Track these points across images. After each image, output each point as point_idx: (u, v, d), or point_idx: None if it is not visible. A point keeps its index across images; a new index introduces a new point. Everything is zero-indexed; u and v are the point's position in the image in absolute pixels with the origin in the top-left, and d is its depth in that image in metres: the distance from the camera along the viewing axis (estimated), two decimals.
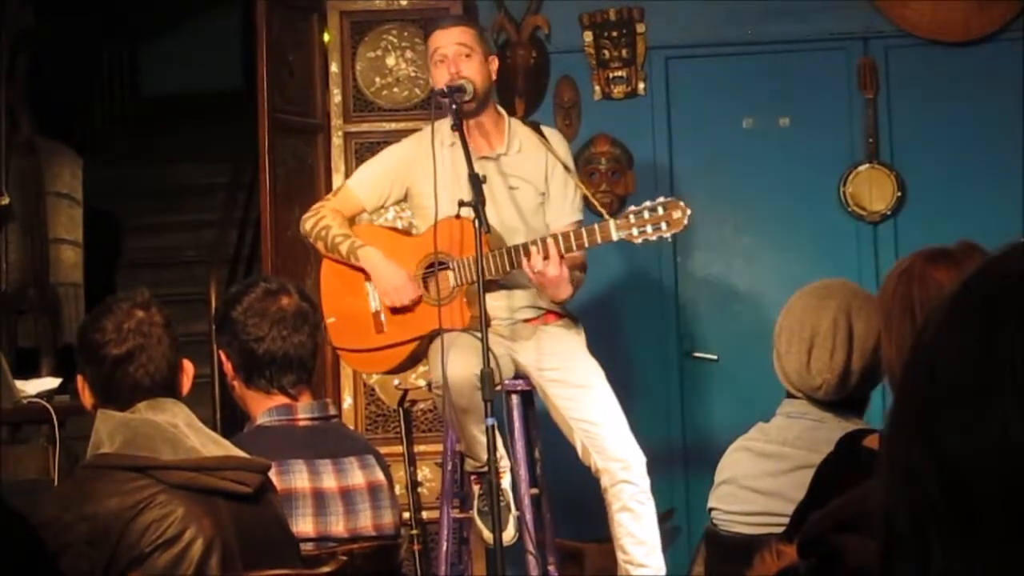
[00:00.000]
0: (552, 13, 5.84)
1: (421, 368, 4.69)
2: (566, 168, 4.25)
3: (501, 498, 3.89)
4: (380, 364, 4.36)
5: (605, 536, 4.25)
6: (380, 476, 3.01)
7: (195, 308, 6.54)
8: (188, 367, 2.69)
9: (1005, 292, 0.84)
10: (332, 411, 3.06)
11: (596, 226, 3.96)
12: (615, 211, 4.98)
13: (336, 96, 5.62)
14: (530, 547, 4.07)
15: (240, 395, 3.05)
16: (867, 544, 1.26)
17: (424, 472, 5.44)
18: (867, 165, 5.73)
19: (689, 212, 3.93)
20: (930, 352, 0.85)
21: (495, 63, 4.27)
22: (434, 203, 3.94)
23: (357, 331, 4.25)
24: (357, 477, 2.97)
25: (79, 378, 2.67)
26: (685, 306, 5.84)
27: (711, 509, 2.93)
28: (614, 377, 4.26)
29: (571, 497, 4.54)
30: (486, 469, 3.72)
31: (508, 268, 4.00)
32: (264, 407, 2.98)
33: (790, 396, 2.83)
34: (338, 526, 2.91)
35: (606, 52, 5.82)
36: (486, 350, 3.65)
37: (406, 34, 5.61)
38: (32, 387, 4.50)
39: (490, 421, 3.61)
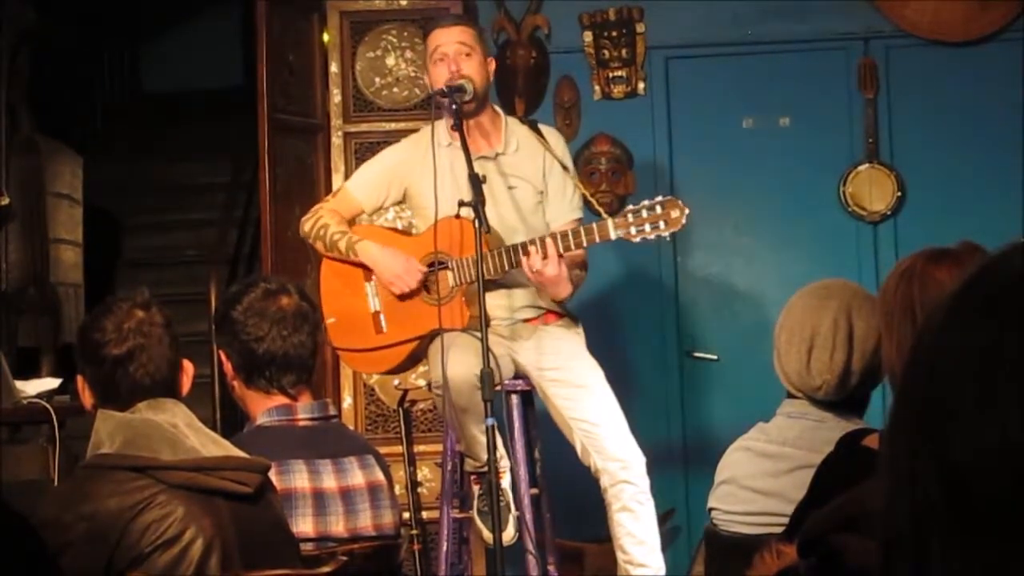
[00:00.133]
0: (552, 13, 5.84)
1: (421, 368, 4.69)
2: (564, 167, 4.25)
3: (501, 498, 3.89)
4: (380, 364, 4.36)
5: (605, 536, 4.25)
6: (380, 476, 3.01)
7: (195, 308, 6.54)
8: (188, 367, 2.69)
9: (1006, 292, 0.84)
10: (332, 411, 3.06)
11: (594, 225, 3.96)
12: (615, 211, 4.98)
13: (336, 96, 5.62)
14: (530, 547, 4.07)
15: (240, 395, 3.05)
16: (867, 544, 1.26)
17: (424, 472, 5.44)
18: (867, 165, 5.73)
19: (687, 211, 3.93)
20: (930, 352, 0.85)
21: (493, 64, 4.27)
22: (433, 203, 3.94)
23: (357, 331, 4.25)
24: (357, 477, 2.97)
25: (79, 378, 2.67)
26: (685, 306, 5.84)
27: (711, 509, 2.93)
28: (614, 377, 4.26)
29: (571, 497, 4.54)
30: (486, 469, 3.72)
31: (507, 268, 4.00)
32: (264, 407, 2.98)
33: (790, 396, 2.83)
34: (338, 526, 2.91)
35: (606, 52, 5.82)
36: (486, 350, 3.65)
37: (406, 34, 5.61)
38: (32, 387, 4.50)
39: (490, 421, 3.61)
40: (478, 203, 3.73)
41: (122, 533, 2.37)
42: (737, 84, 5.84)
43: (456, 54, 4.12)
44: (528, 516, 4.10)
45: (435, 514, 4.74)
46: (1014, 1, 5.65)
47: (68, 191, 6.90)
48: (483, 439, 3.77)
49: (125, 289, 2.78)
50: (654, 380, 5.73)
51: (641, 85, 5.83)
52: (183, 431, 2.52)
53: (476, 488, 4.14)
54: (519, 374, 4.21)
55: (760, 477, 2.81)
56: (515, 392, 4.21)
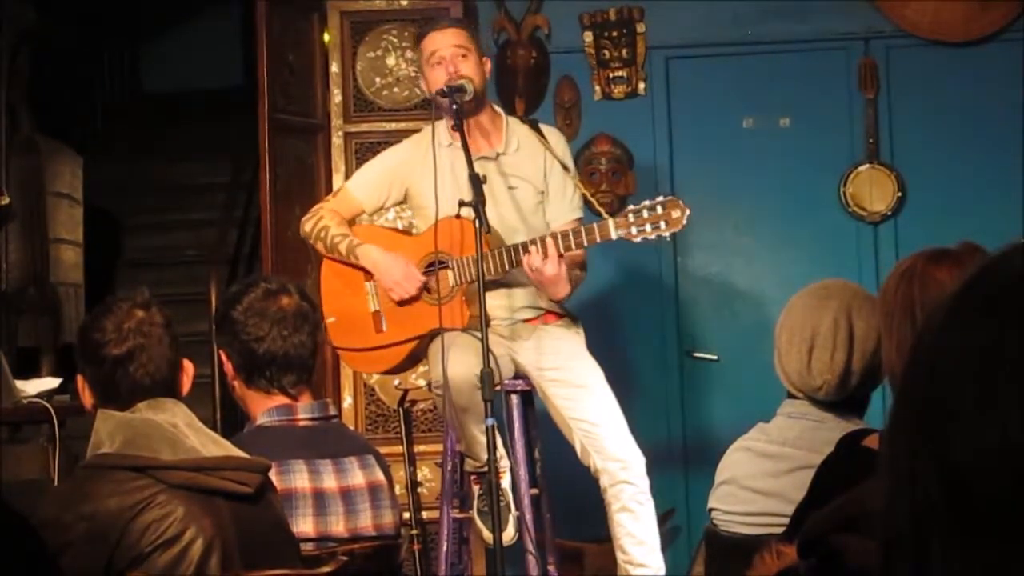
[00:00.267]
0: (552, 13, 5.84)
1: (421, 368, 4.69)
2: (564, 167, 4.25)
3: (501, 498, 3.89)
4: (380, 364, 4.36)
5: (605, 536, 4.25)
6: (380, 476, 3.01)
7: (195, 308, 6.54)
8: (188, 367, 2.69)
9: (1006, 292, 0.83)
10: (332, 411, 3.06)
11: (595, 225, 3.96)
12: (615, 211, 4.98)
13: (336, 96, 5.62)
14: (530, 547, 4.07)
15: (240, 395, 3.05)
16: (867, 544, 1.26)
17: (424, 472, 5.44)
18: (867, 165, 5.72)
19: (688, 211, 3.93)
20: (931, 352, 0.85)
21: (488, 64, 4.28)
22: (434, 203, 3.94)
23: (357, 331, 4.25)
24: (357, 477, 2.97)
25: (79, 378, 2.67)
26: (685, 306, 5.84)
27: (711, 509, 2.93)
28: (614, 377, 4.26)
29: (571, 497, 4.54)
30: (486, 469, 3.72)
31: (508, 267, 4.00)
32: (264, 407, 2.98)
33: (791, 396, 2.83)
34: (338, 526, 2.91)
35: (606, 52, 5.82)
36: (486, 350, 3.65)
37: (406, 34, 5.61)
38: (32, 387, 4.50)
39: (490, 421, 3.61)
40: (478, 203, 3.73)
41: (122, 533, 2.37)
42: (737, 84, 5.84)
43: (453, 56, 4.12)
44: (528, 516, 4.10)
45: (435, 514, 4.74)
46: (1014, 1, 5.65)
47: (68, 191, 6.90)
48: (483, 439, 3.77)
49: (125, 289, 2.78)
50: (654, 380, 5.73)
51: (641, 85, 5.83)
52: (183, 431, 2.52)
53: (476, 488, 4.14)
54: (519, 374, 4.22)
55: (760, 477, 2.81)
56: (515, 392, 4.21)
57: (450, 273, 4.11)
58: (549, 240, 3.94)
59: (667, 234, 3.95)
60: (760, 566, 1.54)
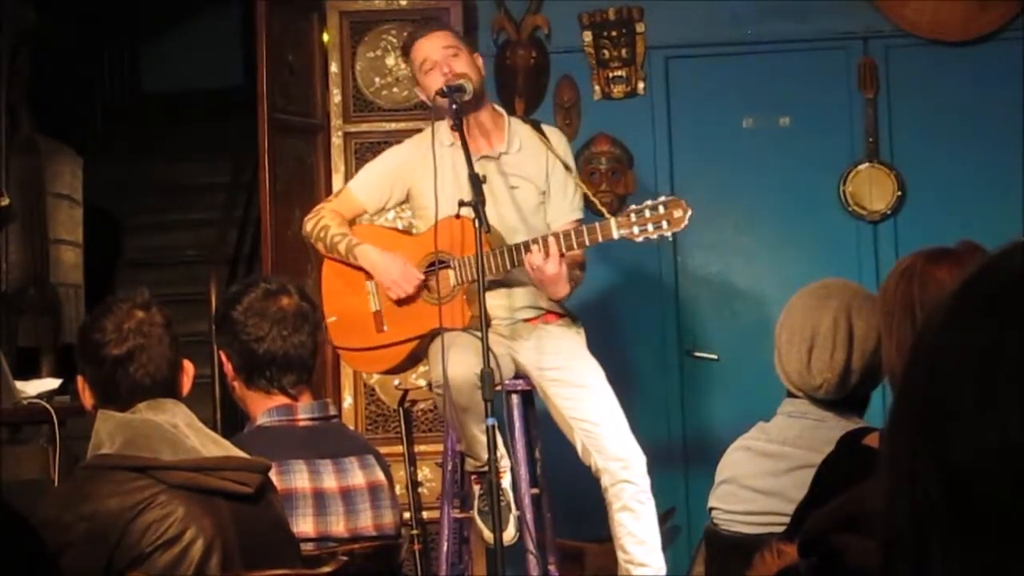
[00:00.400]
0: (552, 13, 5.84)
1: (421, 368, 4.69)
2: (566, 167, 4.26)
3: (501, 498, 3.89)
4: (380, 363, 4.36)
5: (605, 535, 4.25)
6: (380, 476, 3.01)
7: (195, 308, 6.54)
8: (188, 367, 2.69)
9: (1006, 291, 0.83)
10: (332, 411, 3.06)
11: (597, 224, 3.96)
12: (615, 211, 4.98)
13: (336, 96, 5.62)
14: (530, 547, 4.07)
15: (240, 395, 3.05)
16: (868, 544, 1.26)
17: (424, 472, 5.44)
18: (867, 164, 5.73)
19: (690, 211, 3.93)
20: (931, 352, 0.85)
21: (480, 60, 4.28)
22: (434, 203, 3.95)
23: (358, 330, 4.25)
24: (357, 477, 2.97)
25: (79, 378, 2.68)
26: (685, 306, 5.84)
27: (711, 508, 2.93)
28: (614, 376, 4.26)
29: (571, 497, 4.54)
30: (486, 469, 3.72)
31: (508, 267, 4.00)
32: (264, 407, 2.98)
33: (791, 395, 2.83)
34: (338, 526, 2.91)
35: (606, 52, 5.82)
36: (486, 350, 3.65)
37: (406, 34, 5.60)
38: (32, 387, 4.50)
39: (490, 421, 3.61)
40: (478, 203, 3.73)
41: (122, 533, 2.37)
42: (737, 84, 5.84)
43: (444, 58, 4.13)
44: (529, 516, 4.10)
45: (436, 514, 4.74)
46: (1013, 1, 5.65)
47: (68, 191, 6.90)
48: (483, 439, 3.77)
49: (125, 289, 2.79)
50: (654, 380, 5.73)
51: (641, 85, 5.83)
52: (183, 431, 2.52)
53: (477, 488, 4.14)
54: (519, 374, 4.22)
55: (760, 476, 2.81)
56: (516, 392, 4.21)
57: (451, 273, 4.11)
58: (551, 239, 3.94)
59: (669, 234, 3.95)
60: (760, 565, 1.54)
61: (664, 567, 4.13)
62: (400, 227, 5.17)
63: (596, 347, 4.31)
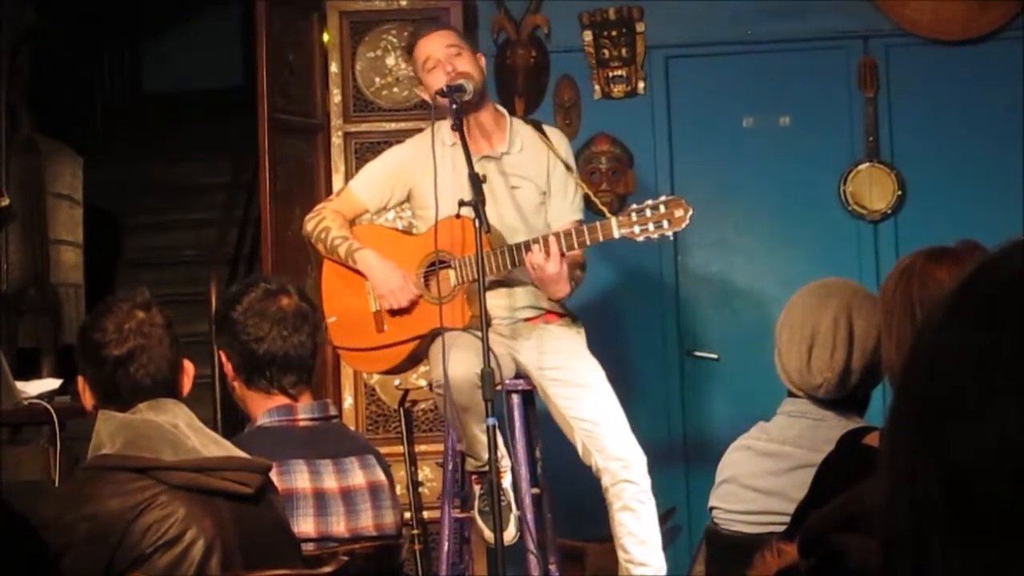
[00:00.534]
0: (552, 12, 5.84)
1: (422, 368, 4.69)
2: (567, 167, 4.26)
3: (502, 497, 3.89)
4: (381, 363, 4.36)
5: (606, 535, 4.25)
6: (381, 476, 3.01)
7: (195, 308, 6.54)
8: (189, 367, 2.69)
9: (1005, 290, 0.83)
10: (332, 411, 3.06)
11: (598, 224, 3.96)
12: (616, 210, 4.98)
13: (336, 96, 5.62)
14: (531, 546, 4.07)
15: (240, 395, 3.05)
16: (868, 543, 1.26)
17: (425, 472, 5.44)
18: (867, 164, 5.72)
19: (691, 211, 3.93)
20: (930, 351, 0.85)
21: (482, 59, 4.29)
22: (435, 203, 3.95)
23: (358, 330, 4.25)
24: (358, 477, 2.97)
25: (80, 379, 2.67)
26: (685, 305, 5.84)
27: (712, 508, 2.93)
28: (614, 376, 4.26)
29: (572, 496, 4.54)
30: (487, 468, 3.72)
31: (509, 266, 4.00)
32: (264, 407, 2.98)
33: (791, 395, 2.83)
34: (339, 526, 2.91)
35: (606, 51, 5.82)
36: (486, 349, 3.65)
37: (406, 34, 5.60)
38: (33, 388, 4.50)
39: (491, 421, 3.61)
40: (478, 202, 3.73)
41: (123, 534, 2.37)
42: (737, 83, 5.84)
43: (447, 57, 4.13)
44: (529, 515, 4.10)
45: (436, 514, 4.74)
46: (1013, 1, 5.65)
47: (68, 191, 6.90)
48: (484, 438, 3.77)
49: (125, 289, 2.79)
50: (654, 379, 5.73)
51: (641, 84, 5.82)
52: (184, 432, 2.52)
53: (477, 488, 4.14)
54: (520, 373, 4.22)
55: (761, 476, 2.81)
56: (516, 391, 4.21)
57: (452, 273, 4.11)
58: (552, 238, 3.94)
59: (670, 233, 3.95)
60: (761, 565, 1.54)
61: (665, 567, 4.13)
62: (400, 227, 5.17)
63: (596, 347, 4.31)
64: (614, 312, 5.73)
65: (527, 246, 3.96)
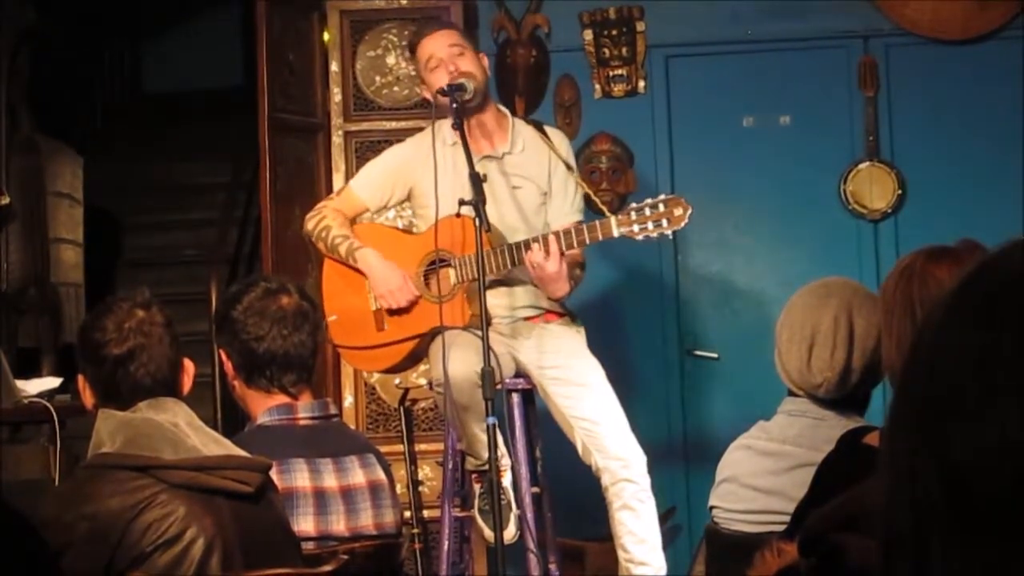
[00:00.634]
0: (552, 12, 5.84)
1: (422, 367, 4.69)
2: (568, 167, 4.26)
3: (502, 496, 3.89)
4: (381, 362, 4.36)
5: (606, 534, 4.25)
6: (381, 475, 3.01)
7: (195, 307, 6.54)
8: (189, 366, 2.69)
9: (1005, 290, 0.83)
10: (332, 410, 3.06)
11: (598, 223, 3.97)
12: (616, 209, 4.98)
13: (336, 95, 5.62)
14: (531, 546, 4.07)
15: (240, 395, 3.05)
16: (868, 543, 1.26)
17: (425, 471, 5.44)
18: (868, 163, 5.73)
19: (690, 210, 3.93)
20: (930, 351, 0.85)
21: (485, 60, 4.29)
22: (435, 202, 3.95)
23: (358, 329, 4.25)
24: (358, 476, 2.97)
25: (80, 378, 2.68)
26: (685, 304, 5.84)
27: (712, 507, 2.93)
28: (614, 375, 4.26)
29: (572, 495, 4.54)
30: (487, 467, 3.72)
31: (509, 265, 4.00)
32: (264, 406, 2.98)
33: (791, 394, 2.83)
34: (339, 525, 2.91)
35: (606, 51, 5.82)
36: (487, 348, 3.65)
37: (406, 33, 5.60)
38: (33, 387, 4.50)
39: (491, 420, 3.61)
40: (478, 202, 3.73)
41: (123, 533, 2.37)
42: (737, 83, 5.84)
43: (450, 56, 4.14)
44: (529, 515, 4.10)
45: (436, 513, 4.74)
46: (1013, 0, 5.65)
47: (68, 191, 6.90)
48: (484, 437, 3.77)
49: (125, 289, 2.79)
50: (655, 379, 5.73)
51: (641, 84, 5.83)
52: (184, 430, 2.52)
53: (477, 487, 4.14)
54: (520, 372, 4.22)
55: (761, 475, 2.81)
56: (516, 391, 4.21)
57: (452, 272, 4.11)
58: (551, 237, 3.95)
59: (669, 232, 3.95)
60: (761, 564, 1.54)
61: (664, 566, 4.13)
62: (400, 226, 5.17)
63: (596, 346, 4.31)
64: (614, 312, 5.73)
65: (527, 245, 3.96)
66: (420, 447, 5.46)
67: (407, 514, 5.12)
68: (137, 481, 2.40)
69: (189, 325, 5.84)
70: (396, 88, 5.64)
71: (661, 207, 3.93)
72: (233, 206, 7.45)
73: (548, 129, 4.37)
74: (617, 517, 4.09)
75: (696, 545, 3.45)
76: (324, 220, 4.26)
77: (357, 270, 4.21)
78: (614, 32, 5.82)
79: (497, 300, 4.17)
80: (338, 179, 5.48)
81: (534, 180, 4.23)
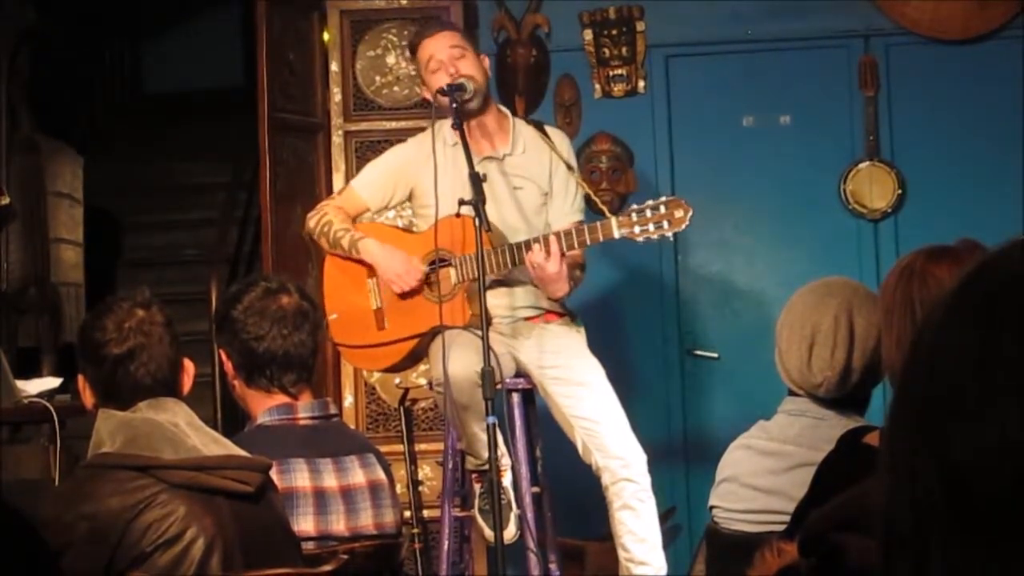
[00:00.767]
0: (552, 11, 5.84)
1: (422, 367, 4.69)
2: (569, 168, 4.26)
3: (502, 496, 3.89)
4: (381, 361, 4.36)
5: (606, 534, 4.25)
6: (381, 475, 3.01)
7: (196, 307, 6.55)
8: (189, 366, 2.69)
9: (1005, 289, 0.83)
10: (332, 410, 3.06)
11: (598, 224, 3.97)
12: (616, 209, 4.98)
13: (336, 95, 5.62)
14: (531, 545, 4.07)
15: (241, 394, 3.05)
16: (868, 543, 1.26)
17: (425, 471, 5.44)
18: (868, 163, 5.72)
19: (691, 211, 3.93)
20: (930, 350, 0.85)
21: (486, 61, 4.29)
22: (435, 202, 3.95)
23: (359, 327, 4.25)
24: (358, 476, 2.97)
25: (80, 377, 2.68)
26: (686, 304, 5.84)
27: (712, 507, 2.93)
28: (615, 375, 4.26)
29: (572, 495, 4.55)
30: (487, 467, 3.72)
31: (509, 265, 4.01)
32: (265, 406, 2.98)
33: (791, 394, 2.83)
34: (339, 525, 2.91)
35: (606, 50, 5.82)
36: (487, 348, 3.65)
37: (406, 33, 5.60)
38: (33, 387, 4.50)
39: (491, 419, 3.61)
40: (478, 202, 3.73)
41: (123, 533, 2.37)
42: (737, 82, 5.84)
43: (450, 58, 4.14)
44: (529, 514, 4.11)
45: (436, 512, 4.74)
46: (1013, 0, 5.65)
47: (68, 191, 6.90)
48: (484, 437, 3.77)
49: (125, 289, 2.79)
50: (655, 378, 5.73)
51: (641, 83, 5.82)
52: (184, 430, 2.52)
53: (477, 486, 4.15)
54: (520, 372, 4.22)
55: (761, 475, 2.81)
56: (516, 390, 4.21)
57: (452, 271, 4.12)
58: (552, 238, 3.95)
59: (670, 233, 3.95)
60: (761, 564, 1.54)
61: (665, 566, 4.13)
62: (401, 225, 5.17)
63: (596, 346, 4.31)
64: (614, 312, 5.73)
65: (527, 245, 3.97)
66: (420, 447, 5.46)
67: (407, 514, 5.12)
68: (137, 481, 2.40)
69: (189, 325, 5.84)
70: (396, 88, 5.64)
71: (662, 209, 3.93)
72: (233, 206, 7.45)
73: (549, 129, 4.37)
74: (617, 516, 4.09)
75: (696, 545, 3.45)
76: (326, 216, 4.26)
77: (360, 264, 4.21)
78: (614, 32, 5.82)
79: (497, 300, 4.17)
80: (338, 179, 5.48)
81: (535, 180, 4.23)
